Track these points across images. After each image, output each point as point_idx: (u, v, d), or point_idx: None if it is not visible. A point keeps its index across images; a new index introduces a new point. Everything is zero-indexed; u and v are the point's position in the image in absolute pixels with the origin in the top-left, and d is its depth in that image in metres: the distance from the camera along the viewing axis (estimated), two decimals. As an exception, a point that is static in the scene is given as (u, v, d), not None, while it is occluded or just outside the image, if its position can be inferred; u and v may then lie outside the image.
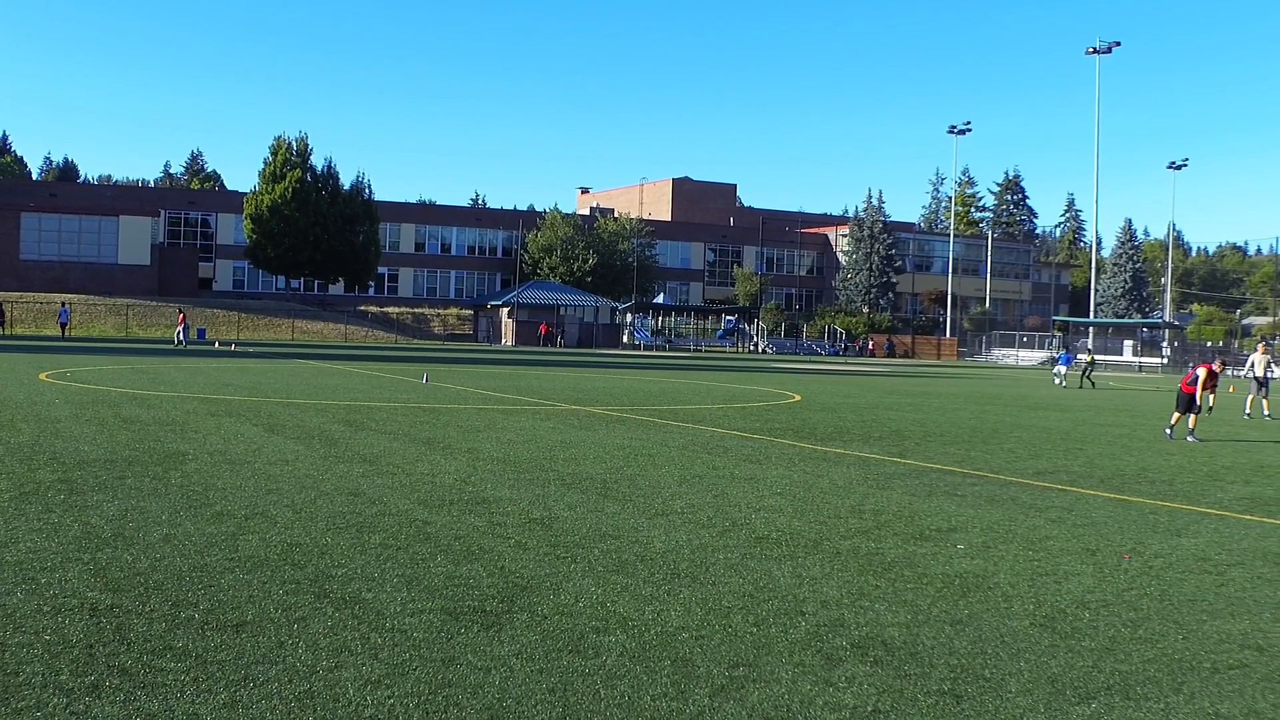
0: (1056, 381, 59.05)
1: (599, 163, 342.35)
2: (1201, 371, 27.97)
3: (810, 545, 11.93)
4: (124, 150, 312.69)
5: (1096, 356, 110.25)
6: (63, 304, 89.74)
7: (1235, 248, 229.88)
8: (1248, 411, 37.81)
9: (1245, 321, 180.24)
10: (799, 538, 12.33)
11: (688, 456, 19.56)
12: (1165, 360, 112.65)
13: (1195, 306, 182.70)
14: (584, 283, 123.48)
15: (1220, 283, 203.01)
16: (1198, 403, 27.50)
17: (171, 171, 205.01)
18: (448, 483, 15.39)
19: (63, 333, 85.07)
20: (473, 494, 14.51)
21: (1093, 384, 60.97)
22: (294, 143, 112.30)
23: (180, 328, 72.58)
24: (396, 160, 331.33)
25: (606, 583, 9.86)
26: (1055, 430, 28.65)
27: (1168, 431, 27.49)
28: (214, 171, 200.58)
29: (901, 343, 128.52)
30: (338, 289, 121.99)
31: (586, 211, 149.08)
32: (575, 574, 10.13)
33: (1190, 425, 27.39)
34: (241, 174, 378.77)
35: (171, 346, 69.76)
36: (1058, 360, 61.18)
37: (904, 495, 15.93)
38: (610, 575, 10.15)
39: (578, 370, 55.45)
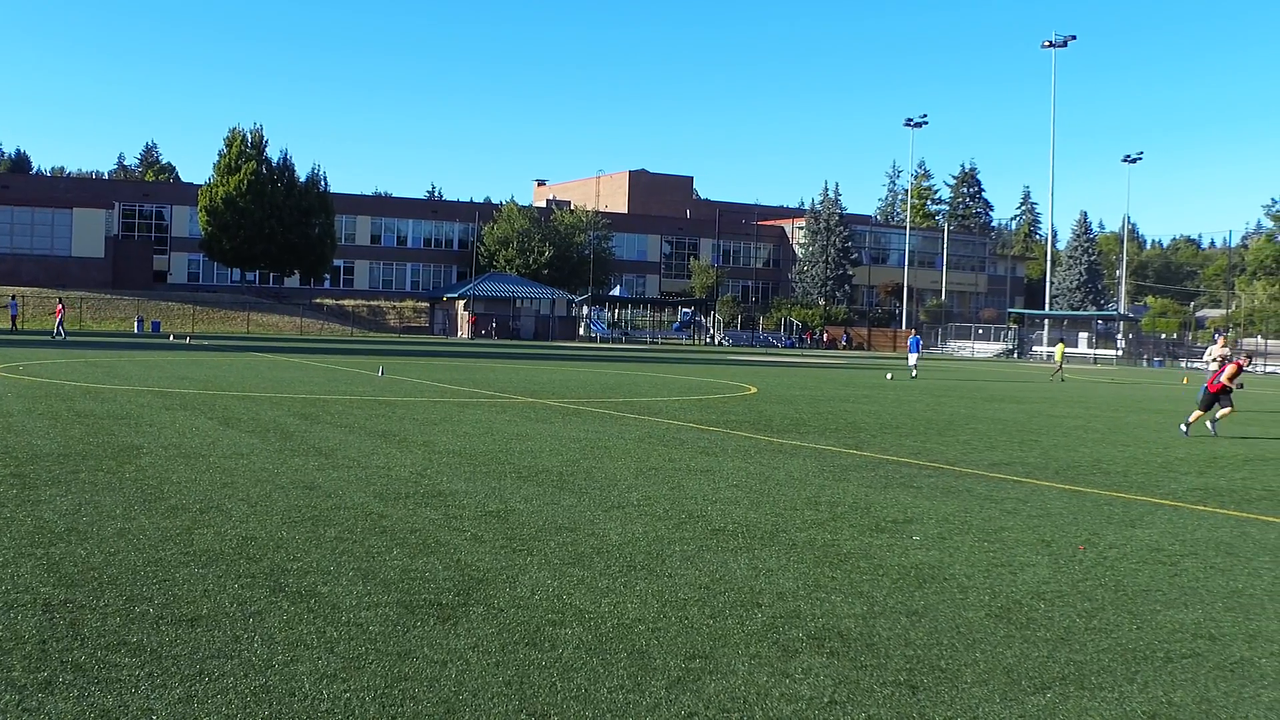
0: (889, 376, 53.80)
1: (556, 155, 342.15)
2: (1230, 368, 27.62)
3: (766, 537, 11.95)
4: (78, 142, 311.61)
5: (1050, 350, 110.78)
6: (12, 297, 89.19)
7: (1189, 241, 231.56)
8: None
9: (1199, 314, 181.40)
10: (755, 529, 12.35)
11: (644, 449, 19.57)
12: (1120, 353, 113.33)
13: (1149, 299, 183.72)
14: (540, 275, 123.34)
15: (1174, 275, 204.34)
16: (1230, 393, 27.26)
17: (126, 164, 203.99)
18: (403, 476, 15.35)
19: (13, 325, 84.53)
20: (429, 487, 14.48)
21: (1061, 378, 60.99)
22: (249, 135, 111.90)
23: (58, 319, 72.16)
24: (353, 152, 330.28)
25: (563, 575, 9.85)
26: (1011, 422, 28.78)
27: (1184, 428, 27.06)
28: (169, 164, 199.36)
29: (857, 335, 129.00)
30: (293, 282, 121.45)
31: (543, 204, 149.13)
32: (531, 567, 10.12)
33: (1218, 416, 27.25)
34: (197, 166, 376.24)
35: (50, 338, 69.07)
36: (909, 349, 58.36)
37: (860, 487, 15.97)
38: (566, 568, 10.14)
39: (534, 363, 55.42)
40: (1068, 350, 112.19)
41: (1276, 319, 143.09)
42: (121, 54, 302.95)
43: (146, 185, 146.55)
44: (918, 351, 56.73)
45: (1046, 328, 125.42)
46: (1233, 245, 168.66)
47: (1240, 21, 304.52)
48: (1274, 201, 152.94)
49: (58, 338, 68.56)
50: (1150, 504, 15.70)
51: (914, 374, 54.33)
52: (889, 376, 50.45)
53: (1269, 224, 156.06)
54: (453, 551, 10.62)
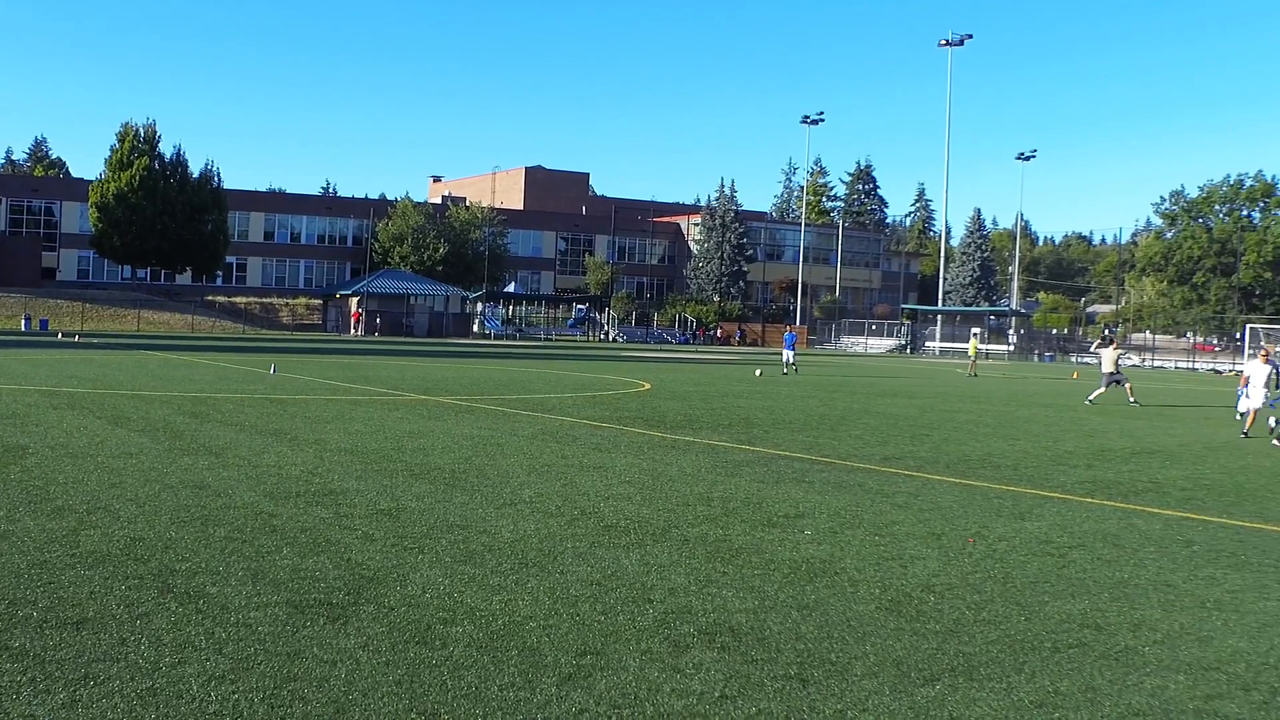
0: (758, 373, 52.38)
1: (452, 151, 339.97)
2: (1257, 363, 27.08)
3: (658, 533, 11.97)
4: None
5: (943, 345, 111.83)
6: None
7: (1081, 237, 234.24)
8: (1090, 399, 38.52)
9: (1089, 309, 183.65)
10: (647, 525, 12.37)
11: (537, 446, 19.53)
12: (1011, 348, 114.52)
13: (1041, 295, 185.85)
14: (435, 272, 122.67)
15: (1066, 271, 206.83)
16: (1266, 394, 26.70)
17: (14, 158, 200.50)
18: (295, 475, 15.23)
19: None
20: (320, 486, 14.38)
21: (973, 374, 61.44)
22: (142, 130, 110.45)
23: None
24: (247, 148, 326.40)
25: (454, 573, 9.81)
26: (902, 417, 29.01)
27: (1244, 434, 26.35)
28: (59, 159, 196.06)
29: (752, 331, 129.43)
30: (185, 279, 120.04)
31: (439, 200, 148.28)
32: (422, 565, 10.07)
33: (1272, 424, 26.36)
34: (88, 162, 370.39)
35: None
36: (785, 345, 57.47)
37: (752, 482, 16.04)
38: (458, 565, 10.11)
39: (427, 360, 55.13)
40: (961, 345, 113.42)
41: (1165, 315, 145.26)
42: (8, 46, 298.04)
43: (35, 180, 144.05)
44: (793, 348, 56.10)
45: (939, 323, 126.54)
46: (1123, 242, 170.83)
47: (1132, 24, 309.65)
48: (1163, 199, 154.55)
49: None
50: (1040, 497, 15.89)
51: (787, 370, 53.82)
52: (758, 373, 50.42)
53: (1158, 221, 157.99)
54: (343, 550, 10.55)
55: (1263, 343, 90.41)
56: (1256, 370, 25.33)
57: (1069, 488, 16.96)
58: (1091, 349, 44.29)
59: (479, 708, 6.63)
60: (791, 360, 55.42)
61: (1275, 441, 24.66)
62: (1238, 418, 27.00)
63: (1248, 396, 25.50)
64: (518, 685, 7.02)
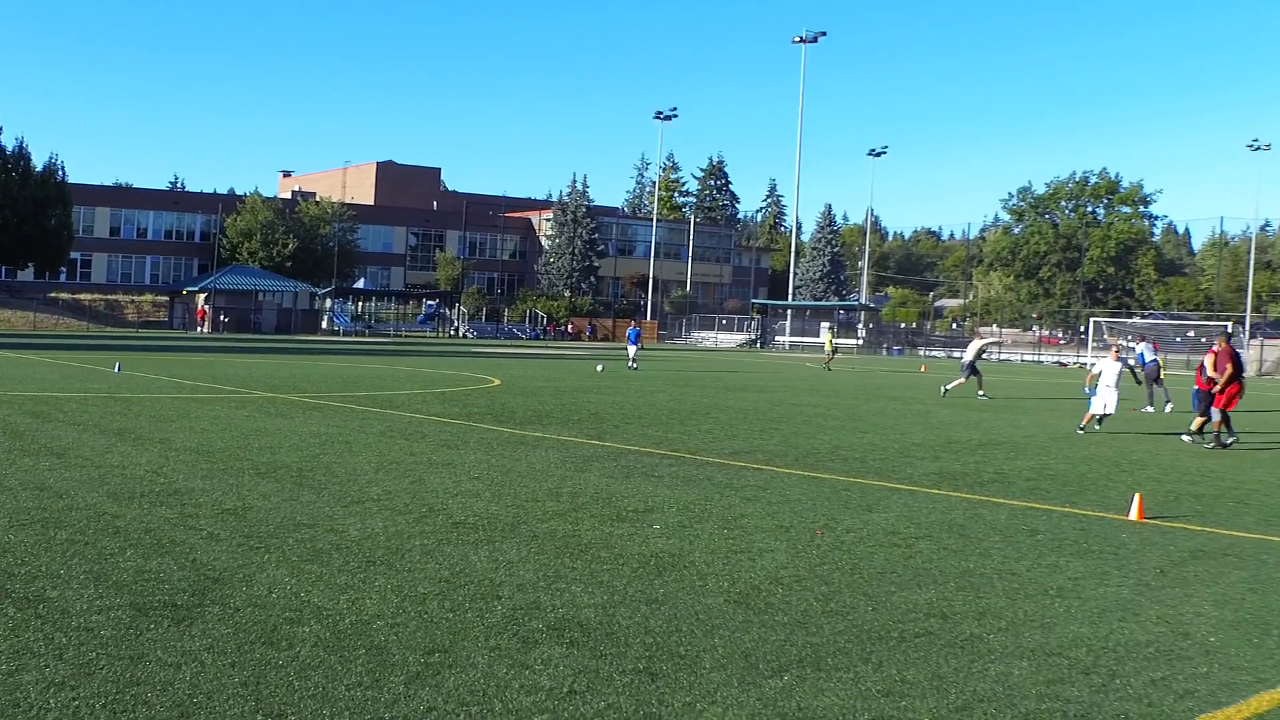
0: (599, 369, 51.58)
1: (303, 146, 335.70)
2: (1208, 358, 25.08)
3: (507, 529, 11.95)
4: None
5: (793, 339, 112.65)
6: None
7: (930, 233, 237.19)
8: (946, 387, 39.04)
9: (938, 304, 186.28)
10: (496, 522, 12.34)
11: (385, 443, 19.40)
12: (860, 341, 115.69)
13: (890, 289, 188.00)
14: (284, 268, 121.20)
15: (915, 266, 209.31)
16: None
17: None
18: (139, 475, 14.99)
19: None
20: (164, 485, 14.17)
21: (827, 367, 61.86)
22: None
23: None
24: (93, 142, 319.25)
25: (301, 572, 9.72)
26: (752, 411, 29.20)
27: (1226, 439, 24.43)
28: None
29: (603, 327, 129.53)
30: (27, 275, 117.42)
31: (288, 195, 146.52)
32: (269, 565, 9.97)
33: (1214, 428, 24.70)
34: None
35: None
36: (629, 340, 56.29)
37: (601, 477, 16.07)
38: (305, 565, 10.01)
39: (276, 357, 54.52)
40: (811, 340, 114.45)
41: (1011, 308, 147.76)
42: None
43: None
44: (637, 343, 55.67)
45: (789, 318, 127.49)
46: (971, 238, 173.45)
47: (983, 24, 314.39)
48: (1011, 196, 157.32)
49: None
50: (887, 489, 16.09)
51: (633, 365, 53.40)
52: (599, 368, 50.35)
53: (1006, 217, 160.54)
54: (188, 551, 10.40)
55: (1107, 338, 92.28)
56: (1108, 368, 25.49)
57: (916, 479, 17.19)
58: (1090, 367, 44.62)
59: (326, 708, 6.57)
60: (635, 355, 54.99)
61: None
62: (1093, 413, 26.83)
63: (1102, 391, 25.53)
64: (365, 684, 6.97)
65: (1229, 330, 25.67)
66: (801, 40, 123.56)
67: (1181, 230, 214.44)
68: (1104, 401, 25.32)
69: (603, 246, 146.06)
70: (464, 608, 8.79)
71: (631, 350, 54.53)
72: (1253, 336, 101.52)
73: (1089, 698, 7.34)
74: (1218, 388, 24.34)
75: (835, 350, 65.63)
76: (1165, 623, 9.31)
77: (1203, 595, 10.34)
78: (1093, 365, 26.29)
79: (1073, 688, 7.52)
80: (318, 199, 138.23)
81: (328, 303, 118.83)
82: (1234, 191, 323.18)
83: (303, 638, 7.86)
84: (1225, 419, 23.94)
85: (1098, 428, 26.00)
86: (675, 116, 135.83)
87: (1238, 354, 24.61)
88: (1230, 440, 23.74)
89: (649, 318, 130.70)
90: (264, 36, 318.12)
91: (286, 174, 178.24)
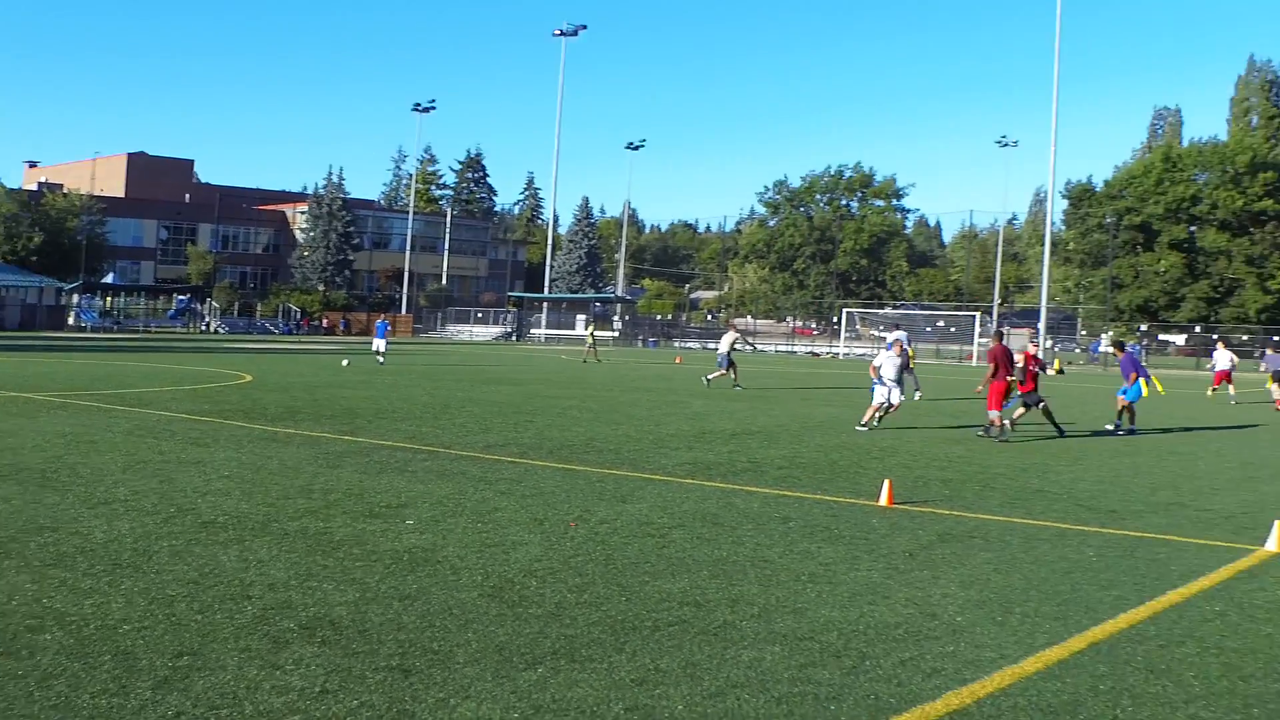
0: (345, 363, 49.61)
1: (49, 136, 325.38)
2: (891, 354, 26.00)
3: (258, 527, 11.72)
4: None
5: (549, 332, 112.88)
6: None
7: (687, 225, 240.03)
8: (708, 378, 39.42)
9: (694, 295, 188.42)
10: (246, 520, 12.10)
11: (133, 442, 18.89)
12: (617, 334, 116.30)
13: (647, 281, 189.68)
14: (29, 262, 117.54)
15: (672, 259, 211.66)
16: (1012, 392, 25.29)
17: None
18: None
19: None
20: (-106, 490, 13.61)
21: (597, 359, 61.86)
22: None
23: None
24: None
25: (43, 577, 9.39)
26: (507, 404, 29.14)
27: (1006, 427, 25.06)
28: None
29: (358, 321, 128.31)
30: None
31: (34, 187, 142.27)
32: (9, 570, 9.60)
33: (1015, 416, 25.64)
34: None
35: None
36: (376, 334, 55.66)
37: (354, 473, 15.86)
38: (47, 569, 9.68)
39: (19, 355, 52.82)
40: (568, 332, 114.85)
41: (766, 300, 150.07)
42: None
43: None
44: (384, 337, 54.87)
45: (545, 311, 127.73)
46: (727, 230, 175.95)
47: (743, 21, 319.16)
48: (767, 189, 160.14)
49: None
50: (641, 479, 16.17)
51: (380, 360, 52.50)
52: (345, 363, 49.65)
53: (762, 210, 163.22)
54: (-81, 557, 9.99)
55: (867, 329, 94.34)
56: (889, 362, 25.37)
57: (670, 470, 17.31)
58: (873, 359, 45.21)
59: (70, 717, 6.35)
60: (383, 349, 54.05)
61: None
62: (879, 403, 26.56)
63: (884, 385, 25.23)
64: (111, 692, 6.75)
65: (1001, 333, 25.98)
66: (562, 33, 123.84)
67: (933, 223, 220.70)
68: (887, 394, 25.06)
69: (358, 240, 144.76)
70: (213, 609, 8.58)
71: (379, 344, 53.66)
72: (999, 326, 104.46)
73: (840, 680, 7.45)
74: (979, 387, 25.14)
75: (597, 343, 65.63)
76: (914, 604, 9.51)
77: (949, 577, 10.59)
78: (875, 358, 26.11)
79: (824, 670, 7.62)
80: (65, 191, 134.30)
81: (75, 298, 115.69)
82: (983, 186, 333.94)
83: (44, 645, 7.57)
84: (1000, 414, 24.22)
85: (876, 424, 25.49)
86: (434, 108, 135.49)
87: (1009, 352, 25.04)
88: (996, 433, 24.02)
89: (404, 311, 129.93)
90: (4, 24, 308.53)
91: (32, 164, 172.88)
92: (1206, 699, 7.46)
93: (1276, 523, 13.05)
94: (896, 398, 25.42)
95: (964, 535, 12.83)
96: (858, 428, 25.10)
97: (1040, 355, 28.68)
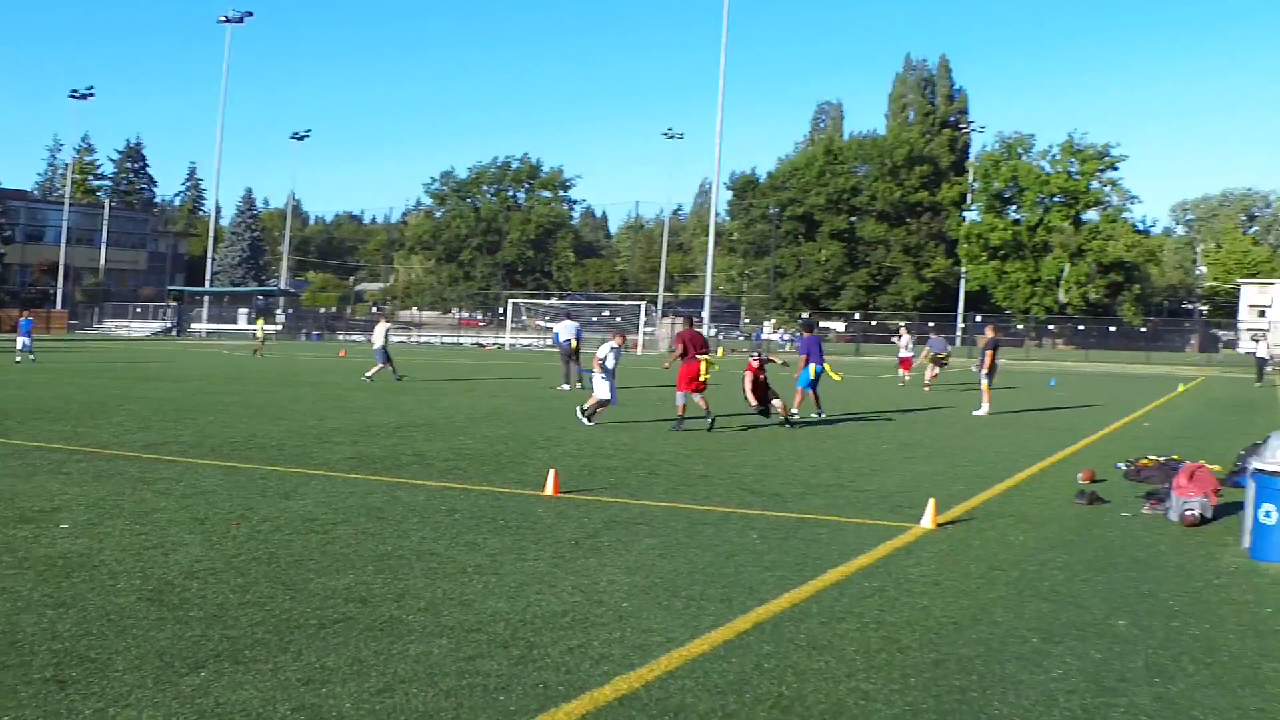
0: (31, 359, 49.05)
1: None
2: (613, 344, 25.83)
3: (-100, 537, 11.22)
4: None
5: (211, 327, 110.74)
6: None
7: (352, 217, 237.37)
8: (368, 375, 39.13)
9: (359, 288, 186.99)
10: (-115, 531, 11.57)
11: None
12: (280, 327, 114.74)
13: (311, 274, 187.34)
14: None
15: (336, 250, 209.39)
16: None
17: None
18: None
19: None
20: None
21: (264, 354, 60.86)
22: None
23: None
24: None
25: None
26: (167, 401, 28.46)
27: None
28: None
29: (8, 317, 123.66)
30: None
31: None
32: None
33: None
34: None
35: None
36: (19, 332, 53.76)
37: (3, 476, 15.26)
38: None
39: None
40: (232, 327, 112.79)
41: (433, 291, 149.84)
42: None
43: None
44: (29, 335, 52.75)
45: (207, 304, 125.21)
46: (394, 221, 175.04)
47: (410, 15, 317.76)
48: (434, 180, 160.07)
49: None
50: (305, 475, 16.01)
51: (31, 358, 50.23)
52: None
53: (428, 201, 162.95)
54: None
55: (526, 319, 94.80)
56: (612, 354, 25.10)
57: (334, 465, 17.16)
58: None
59: None
60: (28, 347, 51.84)
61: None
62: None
63: (604, 379, 24.91)
64: None
65: (691, 317, 26.14)
66: (228, 20, 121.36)
67: (600, 214, 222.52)
68: (605, 389, 24.69)
69: (10, 232, 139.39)
70: None
71: (23, 341, 51.52)
72: (665, 315, 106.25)
73: (508, 670, 7.51)
74: (666, 363, 25.53)
75: (266, 337, 64.71)
76: (580, 592, 9.63)
77: (616, 563, 10.75)
78: (599, 350, 25.55)
79: (492, 661, 7.67)
80: None
81: None
82: (650, 178, 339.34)
83: None
84: (688, 403, 24.29)
85: (595, 419, 24.89)
86: (92, 96, 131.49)
87: (698, 335, 25.11)
88: (679, 427, 24.06)
89: (59, 307, 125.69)
90: None
91: None
92: (867, 671, 7.76)
93: (931, 500, 13.64)
94: (610, 393, 24.82)
95: (629, 522, 13.03)
96: (585, 421, 24.49)
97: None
